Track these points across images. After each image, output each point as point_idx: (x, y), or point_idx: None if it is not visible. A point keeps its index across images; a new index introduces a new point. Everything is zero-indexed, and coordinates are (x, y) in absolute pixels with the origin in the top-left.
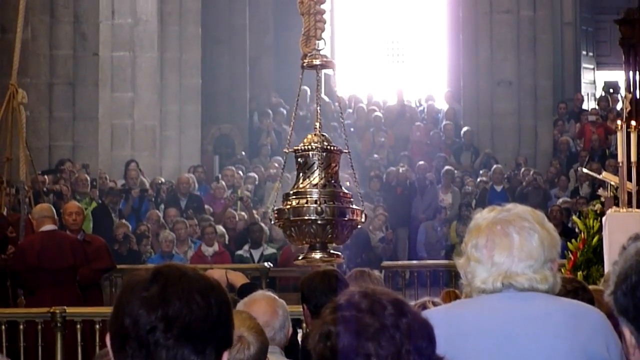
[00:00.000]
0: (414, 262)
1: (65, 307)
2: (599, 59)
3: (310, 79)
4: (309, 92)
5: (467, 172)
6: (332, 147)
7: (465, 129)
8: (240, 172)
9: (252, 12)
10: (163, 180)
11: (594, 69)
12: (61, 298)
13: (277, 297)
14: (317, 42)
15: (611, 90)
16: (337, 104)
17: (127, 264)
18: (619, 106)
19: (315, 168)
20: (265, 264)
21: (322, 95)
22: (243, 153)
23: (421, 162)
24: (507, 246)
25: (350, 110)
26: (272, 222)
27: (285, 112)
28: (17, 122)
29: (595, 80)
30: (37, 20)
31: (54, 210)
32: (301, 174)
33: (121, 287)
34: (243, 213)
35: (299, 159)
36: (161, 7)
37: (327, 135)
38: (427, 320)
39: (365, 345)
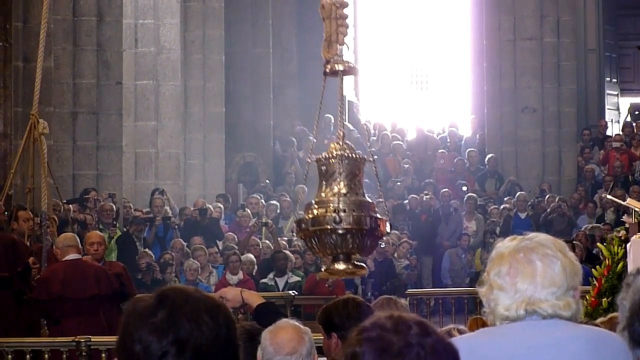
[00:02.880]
0: (439, 289)
1: (90, 337)
2: (623, 85)
3: (332, 107)
4: (332, 120)
5: (491, 200)
6: (355, 155)
7: (489, 156)
8: (263, 201)
9: (276, 40)
10: (192, 208)
11: (617, 95)
12: (86, 327)
13: (302, 325)
14: (339, 47)
15: (637, 113)
16: (365, 129)
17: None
18: None
19: (337, 176)
20: (290, 292)
21: (346, 122)
22: (267, 181)
23: (445, 190)
24: (530, 273)
25: (375, 138)
26: (294, 234)
27: (314, 140)
28: (39, 152)
29: (619, 107)
30: (60, 49)
31: (78, 240)
32: (323, 182)
33: (126, 313)
34: (267, 241)
35: (322, 167)
36: (184, 36)
37: (350, 144)
38: (452, 344)
39: None
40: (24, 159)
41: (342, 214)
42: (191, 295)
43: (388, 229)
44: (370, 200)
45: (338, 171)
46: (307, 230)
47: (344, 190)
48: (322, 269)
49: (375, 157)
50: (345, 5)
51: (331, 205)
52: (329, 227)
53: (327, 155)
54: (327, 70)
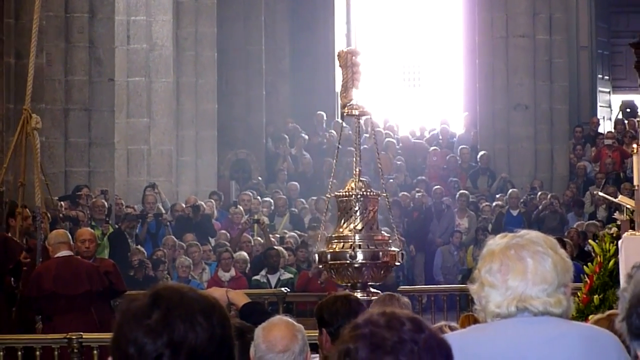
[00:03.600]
0: (431, 286)
1: (82, 333)
2: (615, 83)
3: (324, 104)
4: (325, 117)
5: (483, 197)
6: (369, 192)
7: (481, 153)
8: (259, 198)
9: (268, 37)
10: (184, 205)
11: (609, 92)
12: (77, 324)
13: (295, 321)
14: (355, 90)
15: (628, 110)
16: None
17: (145, 290)
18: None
19: (354, 213)
20: (282, 289)
21: (338, 119)
22: (260, 178)
23: (437, 187)
24: (521, 270)
25: (367, 135)
26: (316, 264)
27: (306, 137)
28: (32, 147)
29: (611, 104)
30: (52, 46)
31: (70, 236)
32: (342, 219)
33: (120, 313)
34: (259, 238)
35: (341, 203)
36: (177, 32)
37: (366, 181)
38: (445, 340)
39: (384, 359)
40: (16, 154)
41: (357, 250)
42: (186, 295)
43: (400, 259)
44: (383, 234)
45: (354, 208)
46: (327, 263)
47: (359, 227)
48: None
49: (384, 194)
50: (359, 54)
51: (347, 241)
52: (347, 262)
53: (345, 194)
54: (345, 114)
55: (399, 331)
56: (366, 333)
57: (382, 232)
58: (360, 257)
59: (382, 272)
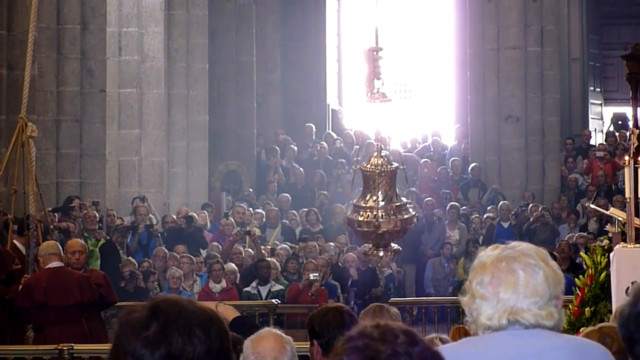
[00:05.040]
0: (422, 298)
1: (72, 344)
2: (607, 95)
3: (316, 115)
4: (314, 129)
5: (474, 208)
6: (390, 167)
7: (472, 165)
8: (250, 209)
9: (259, 49)
10: (175, 217)
11: (601, 104)
12: (68, 335)
13: (283, 333)
14: (377, 81)
15: (619, 122)
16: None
17: (135, 301)
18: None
19: (377, 185)
20: (273, 300)
21: (330, 131)
22: (250, 190)
23: (429, 199)
24: (513, 283)
25: (358, 147)
26: (344, 221)
27: (295, 148)
28: (26, 155)
29: (603, 116)
30: (44, 57)
31: (60, 248)
32: (367, 191)
33: (118, 325)
34: (250, 249)
35: (366, 175)
36: (168, 44)
37: (387, 157)
38: (439, 352)
39: None
40: (10, 163)
41: (380, 220)
42: (184, 308)
43: (415, 220)
44: (402, 200)
45: (377, 181)
46: (354, 228)
47: (382, 198)
48: (367, 252)
49: (404, 167)
50: (381, 49)
51: (371, 212)
52: (371, 229)
53: (369, 168)
54: (369, 101)
55: (393, 344)
56: (360, 346)
57: (402, 199)
58: (383, 225)
59: (401, 233)
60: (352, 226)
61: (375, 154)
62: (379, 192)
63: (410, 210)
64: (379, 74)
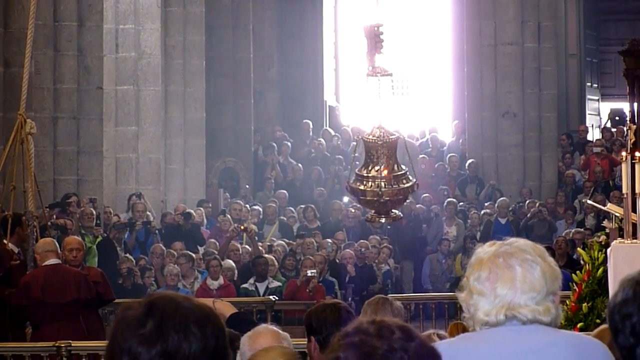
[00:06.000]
0: (419, 294)
1: (70, 341)
2: (604, 90)
3: (313, 112)
4: (311, 126)
5: (472, 205)
6: (391, 138)
7: (469, 161)
8: (247, 206)
9: (257, 46)
10: (173, 213)
11: (598, 100)
12: (66, 332)
13: (280, 330)
14: (378, 55)
15: (617, 118)
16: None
17: (133, 298)
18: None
19: (379, 156)
20: (271, 297)
21: (327, 128)
22: (247, 186)
23: (426, 195)
24: (510, 278)
25: (355, 143)
26: (346, 189)
27: (289, 144)
28: (25, 152)
29: (600, 112)
30: (40, 54)
31: (57, 245)
32: (369, 161)
33: (115, 322)
34: (247, 246)
35: (368, 145)
36: (165, 41)
37: (386, 128)
38: (435, 348)
39: None
40: (9, 159)
41: (383, 189)
42: (180, 305)
43: (416, 188)
44: (402, 169)
45: (380, 152)
46: (357, 197)
47: (384, 167)
48: (368, 217)
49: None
50: (382, 25)
51: (374, 181)
52: (375, 198)
53: (371, 139)
54: (371, 74)
55: (389, 340)
56: (356, 342)
57: (402, 167)
58: (385, 194)
59: (403, 201)
60: (355, 195)
61: (376, 125)
62: (381, 161)
63: (411, 177)
64: (380, 49)
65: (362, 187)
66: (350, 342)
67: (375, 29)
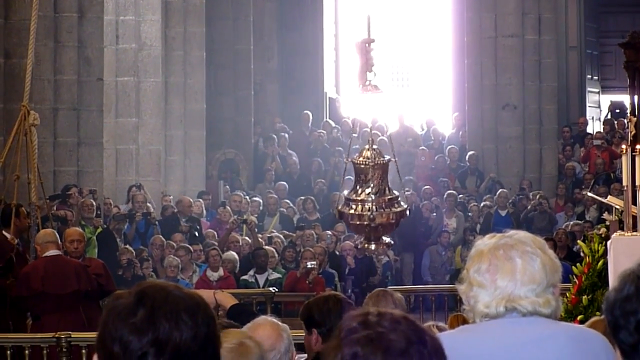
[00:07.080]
0: (419, 286)
1: (70, 332)
2: (604, 83)
3: (313, 104)
4: (311, 117)
5: (472, 197)
6: (382, 160)
7: (470, 153)
8: (247, 198)
9: (257, 37)
10: (173, 205)
11: (599, 92)
12: (66, 323)
13: (280, 321)
14: (369, 73)
15: (617, 110)
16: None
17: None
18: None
19: (369, 178)
20: (271, 289)
21: (328, 119)
22: (247, 178)
23: (426, 187)
24: (510, 270)
25: (355, 135)
26: (335, 214)
27: (287, 135)
28: (28, 144)
29: (600, 104)
30: (41, 45)
31: (58, 236)
32: (358, 185)
33: (105, 311)
34: (247, 238)
35: (358, 168)
36: (165, 32)
37: (378, 149)
38: (440, 341)
39: None
40: (12, 151)
41: (374, 213)
42: (171, 293)
43: (408, 212)
44: (394, 194)
45: (370, 174)
46: (347, 220)
47: (374, 191)
48: (359, 244)
49: (396, 159)
50: (373, 41)
51: (366, 204)
52: (365, 222)
53: (361, 161)
54: (362, 92)
55: (405, 333)
56: (372, 335)
57: (393, 192)
58: (377, 219)
59: (394, 226)
60: (344, 219)
61: (367, 146)
62: (372, 184)
63: (402, 203)
64: (371, 66)
65: (351, 212)
66: (367, 336)
67: (367, 45)
